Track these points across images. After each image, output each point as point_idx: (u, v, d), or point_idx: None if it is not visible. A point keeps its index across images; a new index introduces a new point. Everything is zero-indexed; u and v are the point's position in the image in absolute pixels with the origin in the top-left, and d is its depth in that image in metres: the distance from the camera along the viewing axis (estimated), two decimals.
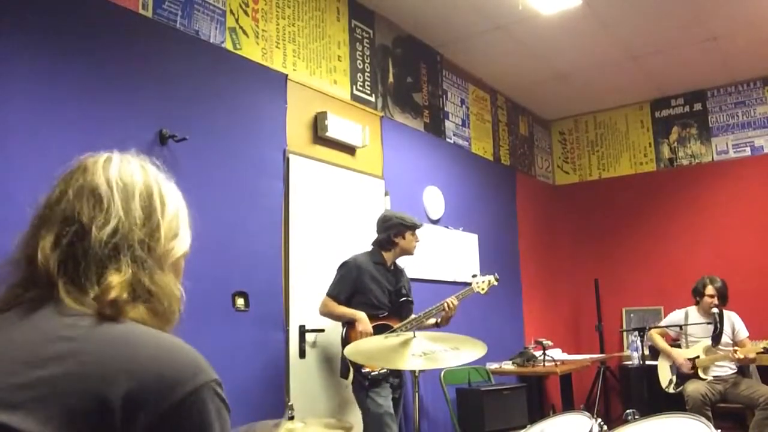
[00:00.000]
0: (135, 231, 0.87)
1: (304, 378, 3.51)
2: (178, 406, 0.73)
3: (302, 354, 3.49)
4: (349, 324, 3.36)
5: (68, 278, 0.82)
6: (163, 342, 0.79)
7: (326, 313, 3.44)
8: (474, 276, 3.80)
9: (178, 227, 0.94)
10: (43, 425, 0.69)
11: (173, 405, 0.72)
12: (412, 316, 3.52)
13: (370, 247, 3.59)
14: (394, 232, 3.50)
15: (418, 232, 3.58)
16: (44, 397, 0.71)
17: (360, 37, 4.44)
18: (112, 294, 0.81)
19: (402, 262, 3.74)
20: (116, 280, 0.82)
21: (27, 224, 0.90)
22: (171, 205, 0.94)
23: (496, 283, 3.74)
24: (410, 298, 3.61)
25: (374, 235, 3.59)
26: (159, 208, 0.91)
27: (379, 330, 3.30)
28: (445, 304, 3.50)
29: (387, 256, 3.53)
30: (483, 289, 3.68)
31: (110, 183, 0.88)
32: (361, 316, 3.32)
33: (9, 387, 0.72)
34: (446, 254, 4.90)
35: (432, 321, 3.59)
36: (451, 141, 5.32)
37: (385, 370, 3.26)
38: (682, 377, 4.65)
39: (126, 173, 0.91)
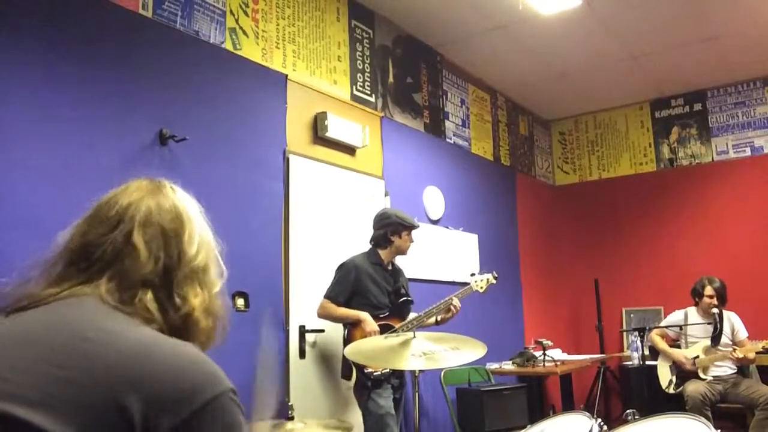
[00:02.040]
0: (208, 255, 0.95)
1: (304, 378, 3.51)
2: (196, 414, 0.75)
3: (302, 354, 3.49)
4: (352, 324, 3.35)
5: (155, 286, 0.87)
6: (182, 352, 0.81)
7: (325, 315, 3.42)
8: (472, 275, 3.78)
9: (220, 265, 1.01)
10: (62, 425, 0.70)
11: (192, 413, 0.74)
12: (412, 315, 3.52)
13: (367, 247, 3.59)
14: (391, 229, 3.50)
15: (414, 233, 3.58)
16: (65, 398, 0.72)
17: (360, 37, 4.44)
18: (196, 314, 0.89)
19: (402, 262, 3.73)
20: (197, 302, 0.90)
21: (78, 218, 0.93)
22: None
23: (494, 282, 3.73)
24: (410, 298, 3.60)
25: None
26: (213, 242, 0.99)
27: (382, 330, 3.30)
28: (451, 307, 3.52)
29: (383, 254, 3.53)
30: (482, 287, 3.68)
31: (185, 208, 0.95)
32: (365, 316, 3.31)
33: (31, 384, 0.73)
34: (446, 254, 4.90)
35: (432, 320, 3.59)
36: (451, 141, 5.32)
37: (387, 371, 3.25)
38: (681, 377, 4.65)
39: (191, 204, 0.98)
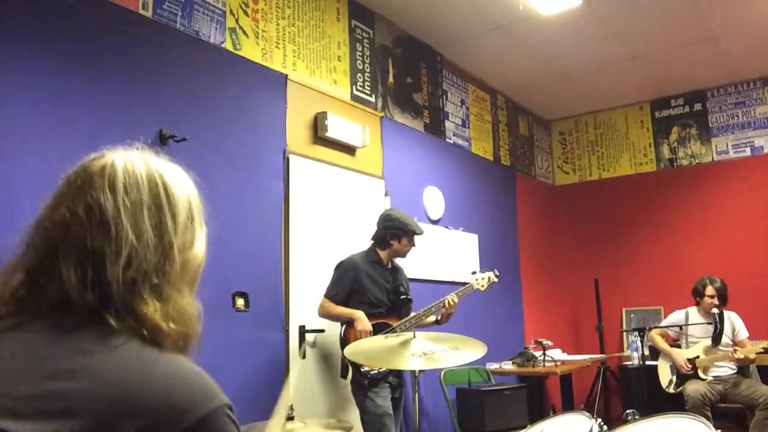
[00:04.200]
0: (149, 258, 0.82)
1: (304, 378, 3.51)
2: (192, 430, 0.73)
3: (302, 354, 3.49)
4: (348, 323, 3.35)
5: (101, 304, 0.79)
6: (175, 367, 0.78)
7: (324, 314, 3.43)
8: (473, 273, 3.77)
9: (193, 235, 0.91)
10: None
11: (188, 429, 0.73)
12: (412, 314, 3.51)
13: (367, 245, 3.59)
14: (391, 233, 3.49)
15: (416, 238, 3.55)
16: (57, 411, 0.71)
17: (360, 37, 4.44)
18: (162, 327, 0.80)
19: (401, 261, 3.73)
20: (150, 311, 0.80)
21: (30, 227, 0.86)
22: (181, 205, 0.89)
23: (496, 280, 3.71)
24: (409, 296, 3.60)
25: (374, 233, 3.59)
26: (170, 222, 0.86)
27: (378, 329, 3.30)
28: (446, 301, 3.49)
29: (382, 254, 3.52)
30: (483, 286, 3.66)
31: (117, 202, 0.82)
32: (359, 315, 3.31)
33: (22, 397, 0.72)
34: (446, 254, 4.90)
35: (432, 318, 3.58)
36: (451, 141, 5.32)
37: (384, 369, 3.26)
38: (682, 377, 4.65)
39: (132, 185, 0.85)
